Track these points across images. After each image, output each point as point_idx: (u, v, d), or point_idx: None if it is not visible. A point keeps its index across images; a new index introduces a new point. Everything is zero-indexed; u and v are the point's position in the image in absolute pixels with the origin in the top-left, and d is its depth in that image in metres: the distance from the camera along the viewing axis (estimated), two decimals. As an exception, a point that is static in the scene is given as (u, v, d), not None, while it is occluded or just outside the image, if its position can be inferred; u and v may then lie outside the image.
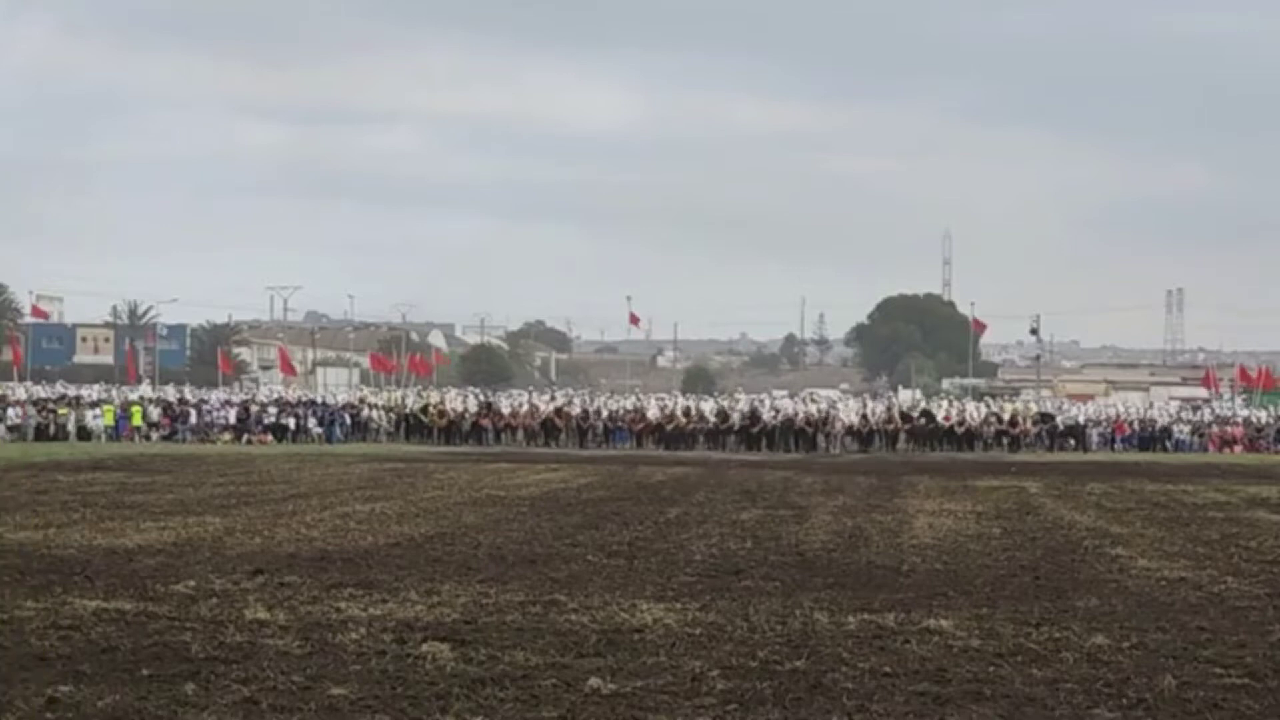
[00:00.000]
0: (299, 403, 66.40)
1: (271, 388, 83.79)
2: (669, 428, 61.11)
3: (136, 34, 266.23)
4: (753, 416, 61.51)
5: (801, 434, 60.60)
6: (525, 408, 64.03)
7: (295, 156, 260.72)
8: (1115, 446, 62.84)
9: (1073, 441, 62.72)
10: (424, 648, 10.00)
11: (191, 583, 13.18)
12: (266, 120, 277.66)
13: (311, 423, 61.68)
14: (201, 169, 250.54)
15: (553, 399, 67.06)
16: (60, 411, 56.71)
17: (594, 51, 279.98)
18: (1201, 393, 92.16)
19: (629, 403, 67.98)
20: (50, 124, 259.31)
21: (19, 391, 63.10)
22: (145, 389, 72.45)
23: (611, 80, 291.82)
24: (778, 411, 63.13)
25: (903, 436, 61.02)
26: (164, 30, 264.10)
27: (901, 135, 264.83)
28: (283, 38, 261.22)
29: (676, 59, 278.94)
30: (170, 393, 69.48)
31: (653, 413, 63.45)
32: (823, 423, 61.81)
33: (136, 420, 58.20)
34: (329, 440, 59.47)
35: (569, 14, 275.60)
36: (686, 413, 62.86)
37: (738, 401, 67.33)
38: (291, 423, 60.92)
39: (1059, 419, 65.44)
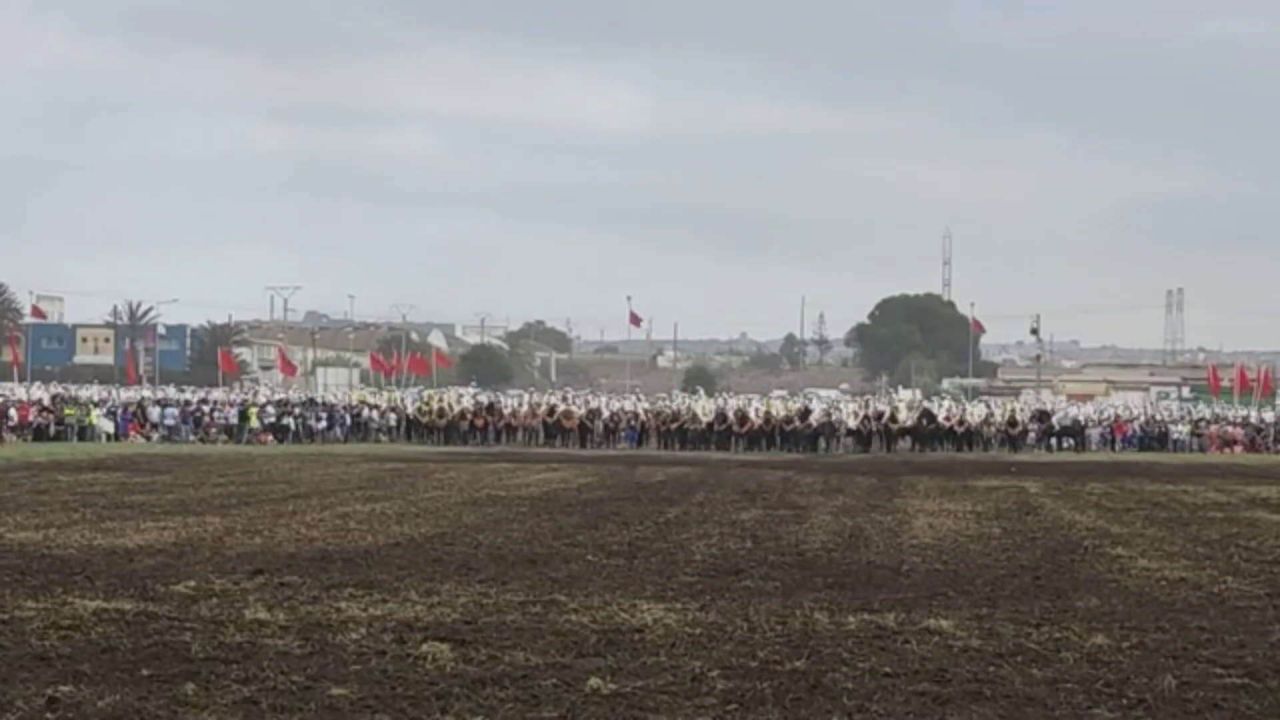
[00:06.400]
0: (299, 403, 66.44)
1: (271, 387, 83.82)
2: (669, 428, 61.23)
3: (146, 35, 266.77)
4: (742, 418, 61.44)
5: (802, 434, 60.62)
6: (525, 408, 64.05)
7: (296, 156, 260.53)
8: (1115, 446, 62.90)
9: (1070, 441, 62.78)
10: (424, 648, 9.99)
11: (191, 583, 13.18)
12: (269, 120, 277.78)
13: (312, 423, 61.81)
14: (202, 168, 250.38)
15: (564, 399, 67.06)
16: (68, 411, 56.78)
17: (595, 53, 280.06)
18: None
19: (628, 403, 68.04)
20: (52, 123, 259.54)
21: (18, 391, 63.12)
22: (146, 389, 72.56)
23: (613, 81, 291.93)
24: (808, 412, 63.23)
25: (903, 436, 61.05)
26: (174, 30, 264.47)
27: (902, 135, 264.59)
28: (288, 38, 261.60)
29: (677, 60, 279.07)
30: (172, 393, 69.56)
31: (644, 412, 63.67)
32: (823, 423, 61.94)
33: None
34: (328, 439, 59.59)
35: (570, 16, 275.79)
36: (675, 414, 62.83)
37: (749, 401, 67.27)
38: (291, 423, 60.97)
39: (1055, 419, 65.52)
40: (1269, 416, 67.33)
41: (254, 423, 59.23)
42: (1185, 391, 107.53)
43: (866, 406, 65.77)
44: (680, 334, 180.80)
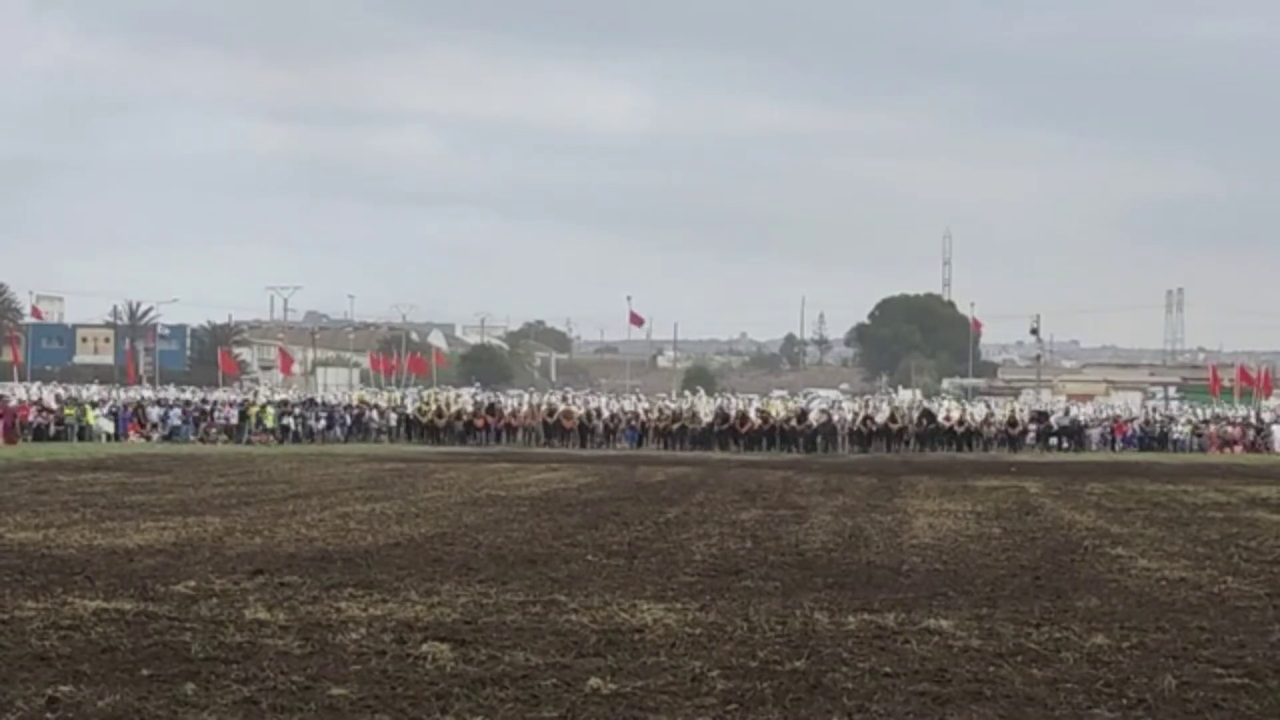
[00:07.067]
0: (299, 403, 66.44)
1: (271, 387, 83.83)
2: (669, 428, 61.24)
3: (146, 35, 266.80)
4: (742, 418, 61.37)
5: (801, 434, 60.62)
6: (525, 408, 64.05)
7: (296, 156, 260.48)
8: (1115, 446, 62.92)
9: (1066, 442, 62.78)
10: (424, 648, 9.99)
11: (191, 583, 13.18)
12: (269, 120, 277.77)
13: (312, 423, 61.81)
14: (202, 168, 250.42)
15: (564, 399, 67.07)
16: (68, 411, 56.77)
17: (595, 53, 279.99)
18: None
19: (628, 403, 68.06)
20: (52, 123, 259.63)
21: (19, 391, 63.12)
22: (146, 389, 72.57)
23: (613, 81, 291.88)
24: (808, 412, 63.36)
25: (904, 437, 61.03)
26: (174, 30, 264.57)
27: (902, 135, 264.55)
28: (288, 38, 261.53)
29: (677, 60, 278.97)
30: (172, 392, 69.61)
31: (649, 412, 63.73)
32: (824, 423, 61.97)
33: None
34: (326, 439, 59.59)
35: (570, 16, 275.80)
36: (675, 414, 62.79)
37: (750, 401, 67.28)
38: (291, 423, 60.97)
39: (1053, 419, 65.58)
40: (1268, 416, 67.37)
41: (270, 423, 59.18)
42: (1172, 391, 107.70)
43: (865, 407, 65.79)
44: (680, 334, 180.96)
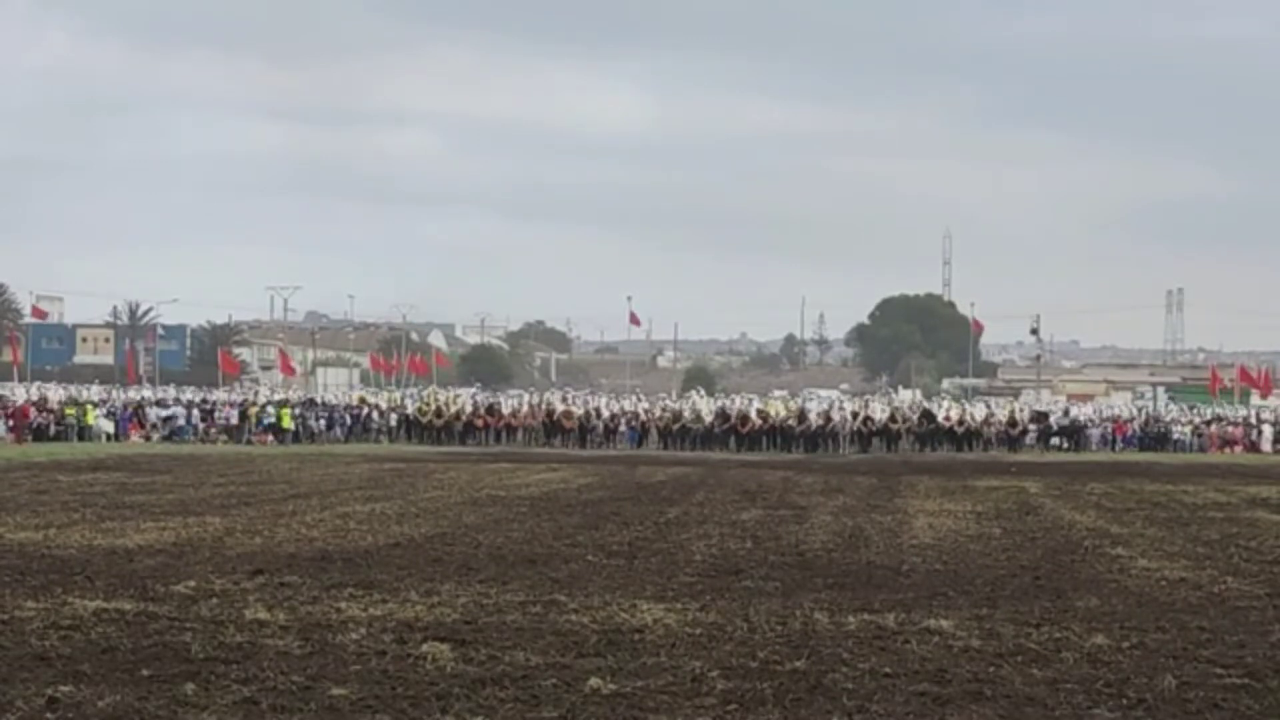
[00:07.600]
0: (299, 403, 66.43)
1: (271, 387, 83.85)
2: (670, 428, 61.25)
3: (146, 35, 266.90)
4: (742, 418, 61.37)
5: (802, 434, 60.62)
6: (525, 408, 64.04)
7: (296, 156, 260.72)
8: (1115, 447, 62.92)
9: (1066, 442, 62.77)
10: (424, 648, 9.99)
11: (191, 583, 13.18)
12: (269, 120, 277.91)
13: (312, 423, 61.78)
14: (203, 168, 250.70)
15: (564, 399, 67.06)
16: (68, 411, 56.77)
17: (595, 53, 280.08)
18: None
19: (628, 403, 68.07)
20: (52, 123, 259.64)
21: (19, 391, 63.11)
22: (146, 389, 72.57)
23: (613, 81, 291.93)
24: (808, 412, 63.42)
25: (904, 436, 61.03)
26: (174, 31, 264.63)
27: (902, 135, 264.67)
28: (288, 38, 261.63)
29: (677, 60, 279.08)
30: (172, 393, 69.63)
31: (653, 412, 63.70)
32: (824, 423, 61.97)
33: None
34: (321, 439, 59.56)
35: (570, 16, 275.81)
36: (676, 414, 62.79)
37: (750, 402, 67.25)
38: (291, 423, 60.94)
39: (1053, 419, 65.58)
40: (1266, 415, 67.38)
41: (288, 423, 59.15)
42: (1161, 391, 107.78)
43: (865, 407, 65.77)
44: (680, 334, 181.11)
